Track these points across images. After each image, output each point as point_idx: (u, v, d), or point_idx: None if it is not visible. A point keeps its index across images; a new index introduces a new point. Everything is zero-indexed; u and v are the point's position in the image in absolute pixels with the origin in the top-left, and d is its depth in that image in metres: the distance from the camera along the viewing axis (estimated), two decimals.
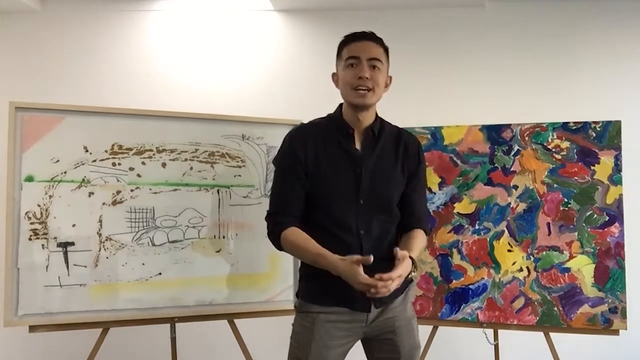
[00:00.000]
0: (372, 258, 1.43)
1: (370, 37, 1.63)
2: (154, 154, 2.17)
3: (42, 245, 2.01)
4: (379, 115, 1.72)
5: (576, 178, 2.17)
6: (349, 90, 1.60)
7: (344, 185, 1.61)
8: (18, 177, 1.99)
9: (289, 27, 3.06)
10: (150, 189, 2.15)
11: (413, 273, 1.55)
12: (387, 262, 1.50)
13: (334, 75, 1.69)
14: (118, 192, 2.11)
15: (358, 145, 1.65)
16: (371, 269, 1.46)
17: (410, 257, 1.53)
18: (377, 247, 1.58)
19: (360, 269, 1.44)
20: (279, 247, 1.63)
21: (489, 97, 2.97)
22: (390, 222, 1.66)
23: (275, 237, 1.61)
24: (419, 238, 1.66)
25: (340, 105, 1.70)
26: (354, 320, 1.62)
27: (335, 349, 1.61)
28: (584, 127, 2.18)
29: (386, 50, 1.66)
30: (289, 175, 1.63)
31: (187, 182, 2.20)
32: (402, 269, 1.47)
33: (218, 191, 2.24)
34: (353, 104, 1.61)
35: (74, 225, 2.05)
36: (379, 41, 1.64)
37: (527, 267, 2.19)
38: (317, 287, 1.64)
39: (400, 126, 1.76)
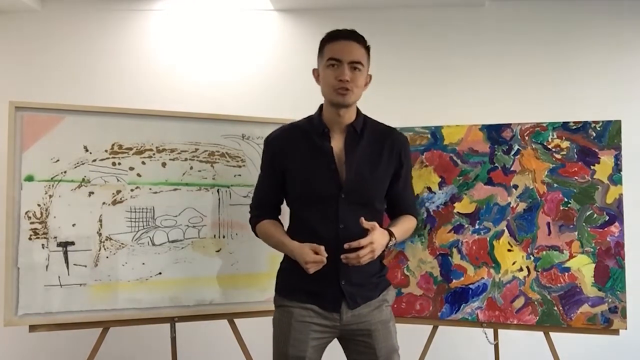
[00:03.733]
0: (325, 259, 1.54)
1: (352, 36, 1.63)
2: (154, 154, 2.17)
3: (42, 244, 2.01)
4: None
5: (576, 178, 2.17)
6: (329, 90, 1.63)
7: (321, 181, 1.64)
8: (18, 176, 1.99)
9: (288, 26, 3.05)
10: (150, 189, 2.15)
11: (391, 243, 1.63)
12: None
13: (314, 71, 1.72)
14: (118, 192, 2.11)
15: (336, 143, 1.67)
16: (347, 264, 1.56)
17: (388, 230, 1.64)
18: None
19: (310, 252, 1.54)
20: (258, 236, 1.82)
21: (489, 96, 2.97)
22: (372, 217, 1.63)
23: (253, 228, 1.82)
24: (406, 219, 1.77)
25: (321, 106, 1.74)
26: (327, 319, 1.65)
27: (312, 342, 1.64)
28: (584, 126, 2.18)
29: (367, 49, 1.67)
30: (264, 175, 1.79)
31: (187, 181, 2.20)
32: (372, 238, 1.54)
33: (218, 191, 2.24)
34: (333, 102, 1.65)
35: (74, 225, 2.05)
36: (361, 41, 1.65)
37: (527, 267, 2.19)
38: (291, 282, 1.70)
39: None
